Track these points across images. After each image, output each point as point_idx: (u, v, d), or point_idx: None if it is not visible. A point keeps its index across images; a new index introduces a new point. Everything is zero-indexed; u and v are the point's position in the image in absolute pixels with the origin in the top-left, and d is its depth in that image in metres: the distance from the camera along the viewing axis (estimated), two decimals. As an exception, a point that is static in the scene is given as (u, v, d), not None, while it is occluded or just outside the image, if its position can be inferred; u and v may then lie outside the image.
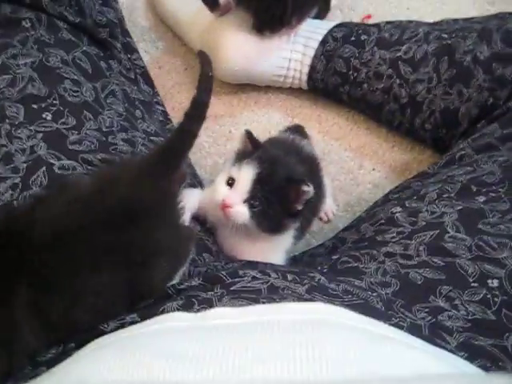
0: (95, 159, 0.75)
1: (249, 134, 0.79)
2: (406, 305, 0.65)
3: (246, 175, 0.73)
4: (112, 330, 0.55)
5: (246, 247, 0.79)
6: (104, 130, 0.79)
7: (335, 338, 0.45)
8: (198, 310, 0.53)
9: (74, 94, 0.80)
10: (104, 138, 0.78)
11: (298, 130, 0.90)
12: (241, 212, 0.72)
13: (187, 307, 0.55)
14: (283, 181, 0.73)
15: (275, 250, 0.81)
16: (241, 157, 0.76)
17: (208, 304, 0.55)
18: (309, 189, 0.72)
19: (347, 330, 0.48)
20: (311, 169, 0.86)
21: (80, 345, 0.54)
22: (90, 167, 0.74)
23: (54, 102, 0.78)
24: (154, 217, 0.59)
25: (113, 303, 0.58)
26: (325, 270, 0.76)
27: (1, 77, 0.78)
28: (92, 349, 0.51)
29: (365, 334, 0.49)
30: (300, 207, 0.74)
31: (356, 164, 1.11)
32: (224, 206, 0.72)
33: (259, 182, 0.72)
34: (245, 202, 0.72)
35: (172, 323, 0.52)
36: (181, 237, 0.66)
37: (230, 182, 0.74)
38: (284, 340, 0.44)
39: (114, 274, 0.57)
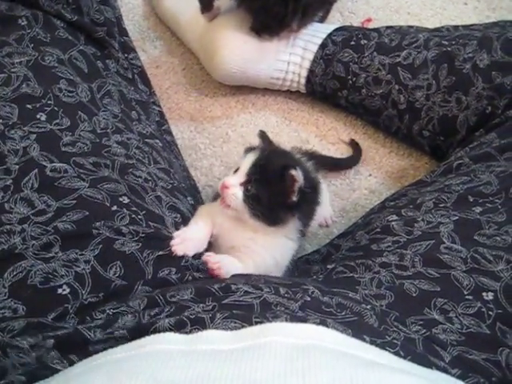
0: (87, 163, 0.74)
1: (262, 133, 0.87)
2: (400, 317, 0.65)
3: (246, 162, 0.78)
4: (99, 341, 0.54)
5: (248, 242, 0.79)
6: (98, 131, 0.79)
7: (325, 365, 0.45)
8: (191, 331, 0.53)
9: (70, 95, 0.79)
10: (98, 140, 0.77)
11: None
12: (235, 194, 0.75)
13: (179, 327, 0.54)
14: (277, 168, 0.76)
15: (281, 244, 0.81)
16: (249, 150, 0.81)
17: (200, 325, 0.54)
18: (296, 172, 0.73)
19: (337, 357, 0.48)
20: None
21: (63, 353, 0.54)
22: (81, 170, 0.73)
23: (49, 102, 0.77)
24: None
25: None
26: (320, 279, 0.75)
27: None
28: (79, 371, 0.50)
29: (355, 360, 0.49)
30: (295, 198, 0.75)
31: (352, 169, 1.10)
32: (222, 187, 0.76)
33: (256, 167, 0.76)
34: (241, 185, 0.76)
35: (163, 346, 0.51)
36: None
37: (236, 170, 0.79)
38: (276, 368, 0.44)
39: None
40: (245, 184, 0.76)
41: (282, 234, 0.79)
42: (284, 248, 0.81)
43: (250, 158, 0.78)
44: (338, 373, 0.44)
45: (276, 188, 0.75)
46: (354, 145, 1.11)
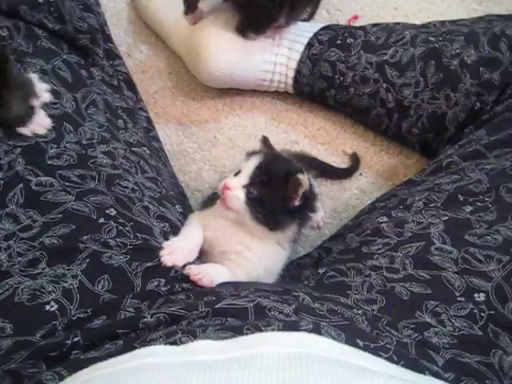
0: (73, 175, 0.73)
1: (264, 139, 0.91)
2: (392, 322, 0.64)
3: (249, 164, 0.77)
4: (92, 360, 0.53)
5: (240, 248, 0.78)
6: (84, 142, 0.78)
7: (318, 374, 0.45)
8: (181, 341, 0.52)
9: (54, 106, 0.78)
10: (83, 151, 0.76)
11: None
12: (237, 196, 0.75)
13: (170, 336, 0.54)
14: (282, 172, 0.76)
15: (273, 252, 0.80)
16: (252, 154, 0.81)
17: (192, 335, 0.53)
18: (303, 177, 0.73)
19: (330, 365, 0.48)
20: None
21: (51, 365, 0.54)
22: (67, 183, 0.72)
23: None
24: None
25: None
26: (311, 285, 0.75)
27: None
28: None
29: (347, 367, 0.48)
30: (297, 202, 0.75)
31: (343, 169, 1.09)
32: (224, 189, 0.75)
33: (259, 171, 0.76)
34: (244, 187, 0.75)
35: (154, 359, 0.50)
36: None
37: (237, 173, 0.78)
38: (268, 378, 0.44)
39: None
40: (247, 186, 0.75)
41: (276, 240, 0.79)
42: (276, 256, 0.81)
43: (254, 161, 0.77)
44: (331, 381, 0.44)
45: (280, 192, 0.75)
46: (353, 157, 1.10)
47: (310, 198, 0.78)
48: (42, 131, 0.75)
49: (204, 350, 0.51)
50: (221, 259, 0.78)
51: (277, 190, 0.75)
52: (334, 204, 1.06)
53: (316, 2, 1.13)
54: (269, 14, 1.01)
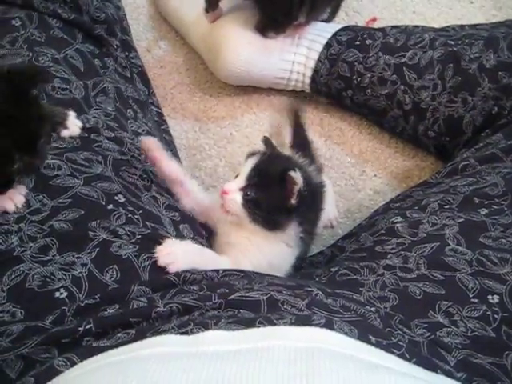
0: (79, 158, 0.74)
1: (266, 139, 0.89)
2: (405, 320, 0.64)
3: (246, 166, 0.78)
4: (103, 348, 0.54)
5: (246, 247, 0.79)
6: (87, 126, 0.78)
7: (330, 368, 0.44)
8: (192, 332, 0.52)
9: (63, 92, 0.79)
10: (86, 135, 0.77)
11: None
12: (234, 199, 0.75)
13: (182, 327, 0.54)
14: (275, 172, 0.76)
15: (277, 250, 0.80)
16: (251, 155, 0.81)
17: (204, 326, 0.53)
18: (295, 174, 0.73)
19: (342, 360, 0.47)
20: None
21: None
22: (74, 166, 0.73)
23: (42, 101, 0.76)
24: None
25: None
26: (323, 281, 0.75)
27: None
28: (79, 373, 0.50)
29: (359, 363, 0.48)
30: (294, 201, 0.75)
31: (357, 170, 1.09)
32: (222, 193, 0.76)
33: (255, 172, 0.76)
34: (241, 190, 0.76)
35: (165, 348, 0.50)
36: None
37: (237, 176, 0.79)
38: (279, 371, 0.44)
39: None
40: (244, 189, 0.76)
41: (280, 239, 0.79)
42: (281, 254, 0.80)
43: (250, 163, 0.78)
44: (342, 376, 0.43)
45: (275, 192, 0.75)
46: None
47: (307, 196, 0.77)
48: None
49: (215, 340, 0.51)
50: (226, 248, 0.80)
51: (272, 191, 0.75)
52: (348, 204, 1.06)
53: (337, 2, 1.13)
54: (289, 13, 1.01)
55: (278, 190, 0.75)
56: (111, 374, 0.47)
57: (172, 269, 0.68)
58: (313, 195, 0.80)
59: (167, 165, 0.80)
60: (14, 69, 0.61)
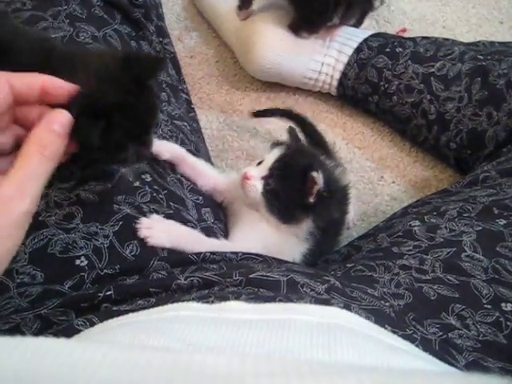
0: None
1: (291, 129, 0.87)
2: (418, 318, 0.65)
3: (271, 156, 0.79)
4: (124, 311, 0.54)
5: (256, 233, 0.80)
6: None
7: (351, 343, 0.45)
8: (213, 302, 0.53)
9: None
10: None
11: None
12: (255, 186, 0.77)
13: (202, 298, 0.55)
14: (299, 168, 0.76)
15: (284, 244, 0.80)
16: (276, 145, 0.81)
17: (224, 299, 0.54)
18: (317, 175, 0.74)
19: (362, 338, 0.48)
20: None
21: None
22: None
23: None
24: None
25: None
26: (338, 275, 0.76)
27: None
28: (99, 331, 0.51)
29: (379, 343, 0.49)
30: (312, 199, 0.75)
31: (376, 175, 1.10)
32: (244, 178, 0.77)
33: (280, 163, 0.77)
34: (262, 178, 0.77)
35: (187, 312, 0.51)
36: None
37: (260, 163, 0.80)
38: (301, 340, 0.44)
39: None
40: (266, 178, 0.77)
41: (291, 232, 0.80)
42: (287, 243, 0.81)
43: (275, 154, 0.78)
44: (363, 351, 0.44)
45: (296, 187, 0.76)
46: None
47: (326, 197, 0.77)
48: None
49: (238, 309, 0.51)
50: (235, 225, 0.82)
51: (293, 185, 0.76)
52: (365, 208, 1.07)
53: (365, 7, 1.15)
54: (324, 14, 1.03)
55: (298, 186, 0.75)
56: (134, 331, 0.47)
57: (151, 242, 0.68)
58: (334, 196, 0.80)
59: (163, 144, 0.79)
60: (130, 56, 0.59)
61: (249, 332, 0.45)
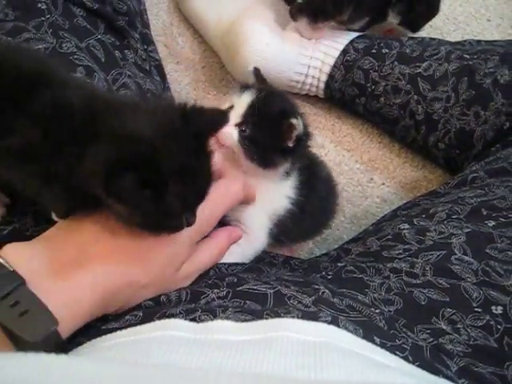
0: None
1: (256, 71, 0.84)
2: (408, 324, 0.64)
3: (243, 101, 0.75)
4: (112, 330, 0.54)
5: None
6: None
7: (338, 362, 0.45)
8: (200, 319, 0.53)
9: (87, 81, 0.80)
10: None
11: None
12: (230, 134, 0.73)
13: (190, 313, 0.55)
14: (276, 111, 0.74)
15: (268, 190, 0.79)
16: (244, 88, 0.78)
17: (211, 314, 0.54)
18: (297, 122, 0.72)
19: (348, 356, 0.48)
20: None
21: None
22: None
23: None
24: None
25: None
26: (329, 277, 0.75)
27: None
28: (88, 351, 0.51)
29: (365, 360, 0.48)
30: (291, 144, 0.74)
31: (366, 177, 1.10)
32: None
33: (253, 109, 0.74)
34: (236, 125, 0.74)
35: (175, 332, 0.51)
36: None
37: (230, 108, 0.76)
38: (287, 362, 0.44)
39: None
40: (240, 125, 0.74)
41: (267, 176, 0.78)
42: (275, 195, 0.80)
43: (246, 99, 0.75)
44: (350, 371, 0.44)
45: (273, 132, 0.74)
46: None
47: (303, 140, 0.76)
48: None
49: (224, 329, 0.51)
50: None
51: (270, 131, 0.73)
52: (355, 210, 1.06)
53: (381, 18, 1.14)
54: (338, 4, 1.01)
55: (275, 131, 0.73)
56: (122, 352, 0.47)
57: None
58: (307, 138, 0.79)
59: None
60: (192, 108, 0.51)
61: (235, 355, 0.45)
